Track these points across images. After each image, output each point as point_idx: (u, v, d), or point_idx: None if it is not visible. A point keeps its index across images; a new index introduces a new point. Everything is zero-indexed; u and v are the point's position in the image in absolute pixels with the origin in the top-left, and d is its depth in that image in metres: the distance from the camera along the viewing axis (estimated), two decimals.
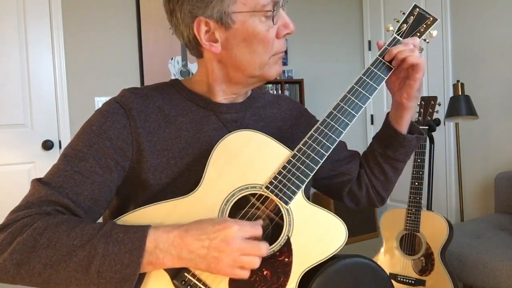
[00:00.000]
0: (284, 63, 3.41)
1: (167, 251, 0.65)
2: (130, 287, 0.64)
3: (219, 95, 0.85)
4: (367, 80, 0.83)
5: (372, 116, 3.71)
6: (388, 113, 0.95)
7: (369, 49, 3.69)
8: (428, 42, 0.88)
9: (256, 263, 0.67)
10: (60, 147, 2.58)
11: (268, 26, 0.76)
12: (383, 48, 0.86)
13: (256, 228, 0.69)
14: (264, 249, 0.68)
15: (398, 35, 0.86)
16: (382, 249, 1.98)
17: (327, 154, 0.78)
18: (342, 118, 0.80)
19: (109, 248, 0.63)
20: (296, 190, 0.75)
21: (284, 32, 0.79)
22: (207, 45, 0.78)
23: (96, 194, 0.73)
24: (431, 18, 0.87)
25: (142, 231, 0.66)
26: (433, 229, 1.85)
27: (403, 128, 0.92)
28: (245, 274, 0.67)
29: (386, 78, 0.84)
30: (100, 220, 0.78)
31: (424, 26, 0.87)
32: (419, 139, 0.94)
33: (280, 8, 0.78)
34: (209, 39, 0.78)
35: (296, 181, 0.75)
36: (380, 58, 0.84)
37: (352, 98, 0.82)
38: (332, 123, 0.80)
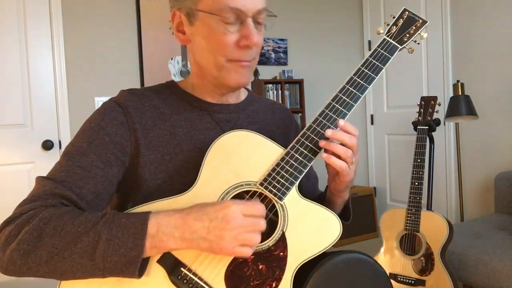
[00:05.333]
0: (284, 63, 3.42)
1: (169, 233, 0.66)
2: (134, 270, 0.65)
3: (203, 92, 0.87)
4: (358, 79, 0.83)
5: (372, 116, 3.72)
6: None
7: (369, 49, 3.69)
8: (418, 44, 0.90)
9: (257, 238, 0.68)
10: (60, 147, 2.59)
11: (226, 30, 0.77)
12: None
13: (254, 205, 0.70)
14: (263, 224, 0.69)
15: (388, 37, 0.88)
16: (382, 249, 1.98)
17: (320, 152, 0.79)
18: (334, 116, 0.81)
19: (113, 233, 0.65)
20: (290, 186, 0.76)
21: (242, 42, 0.78)
22: (176, 34, 0.85)
23: (98, 188, 0.74)
24: (421, 21, 0.89)
25: (143, 215, 0.68)
26: (433, 229, 1.85)
27: (334, 207, 0.90)
28: (247, 252, 0.68)
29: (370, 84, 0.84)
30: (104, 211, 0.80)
31: (414, 28, 0.88)
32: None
33: (247, 18, 0.77)
34: (179, 30, 0.84)
35: (290, 178, 0.76)
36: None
37: (344, 97, 0.83)
38: (324, 121, 0.80)
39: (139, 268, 0.65)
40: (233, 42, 0.78)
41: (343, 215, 0.93)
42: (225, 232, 0.66)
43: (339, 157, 0.76)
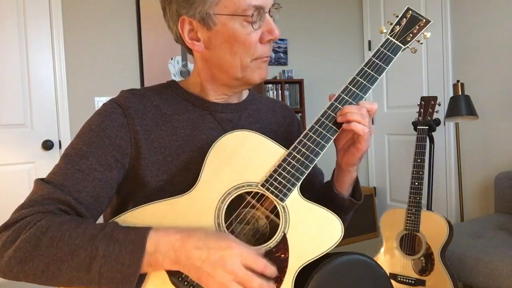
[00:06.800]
0: (284, 63, 3.42)
1: (166, 254, 0.66)
2: (131, 287, 0.65)
3: (210, 94, 0.87)
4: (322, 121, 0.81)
5: None
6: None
7: (369, 49, 3.69)
8: (421, 43, 0.89)
9: None
10: (60, 147, 2.59)
11: (250, 30, 0.77)
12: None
13: (257, 259, 0.67)
14: (258, 283, 0.66)
15: (391, 36, 0.87)
16: (382, 249, 1.98)
17: (322, 152, 0.79)
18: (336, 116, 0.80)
19: (110, 249, 0.64)
20: (291, 188, 0.76)
21: (267, 38, 0.80)
22: (190, 43, 0.82)
23: (97, 191, 0.74)
24: (424, 20, 0.88)
25: (142, 232, 0.67)
26: (433, 229, 1.85)
27: (343, 187, 0.89)
28: None
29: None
30: (101, 218, 0.80)
31: (417, 27, 0.88)
32: (353, 203, 0.90)
33: (265, 13, 0.78)
34: (192, 37, 0.81)
35: (292, 179, 0.76)
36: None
37: (347, 98, 0.82)
38: (327, 122, 0.80)
39: (136, 284, 0.65)
40: (257, 40, 0.79)
41: (353, 195, 0.91)
42: (216, 273, 0.65)
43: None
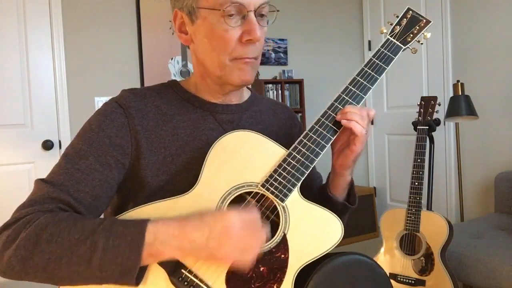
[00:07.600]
0: (284, 63, 3.42)
1: (167, 242, 0.66)
2: (131, 279, 0.65)
3: (206, 92, 0.87)
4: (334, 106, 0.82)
5: None
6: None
7: (369, 49, 3.69)
8: (422, 44, 0.89)
9: (256, 246, 0.68)
10: (60, 147, 2.59)
11: (227, 27, 0.77)
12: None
13: (251, 214, 0.69)
14: (263, 234, 0.69)
15: (391, 36, 0.87)
16: (382, 249, 1.98)
17: (322, 153, 0.79)
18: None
19: (109, 242, 0.64)
20: (292, 188, 0.76)
21: (246, 38, 0.77)
22: (178, 35, 0.84)
23: (96, 191, 0.74)
24: (424, 21, 0.89)
25: (141, 224, 0.67)
26: (433, 229, 1.85)
27: (337, 190, 0.89)
28: (246, 259, 0.68)
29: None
30: (102, 217, 0.80)
31: (417, 28, 0.88)
32: (346, 207, 0.90)
33: (250, 12, 0.77)
34: (182, 31, 0.84)
35: (292, 179, 0.76)
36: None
37: (347, 98, 0.83)
38: (327, 122, 0.81)
39: (136, 276, 0.65)
40: (236, 38, 0.78)
41: (348, 200, 0.91)
42: (224, 242, 0.66)
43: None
